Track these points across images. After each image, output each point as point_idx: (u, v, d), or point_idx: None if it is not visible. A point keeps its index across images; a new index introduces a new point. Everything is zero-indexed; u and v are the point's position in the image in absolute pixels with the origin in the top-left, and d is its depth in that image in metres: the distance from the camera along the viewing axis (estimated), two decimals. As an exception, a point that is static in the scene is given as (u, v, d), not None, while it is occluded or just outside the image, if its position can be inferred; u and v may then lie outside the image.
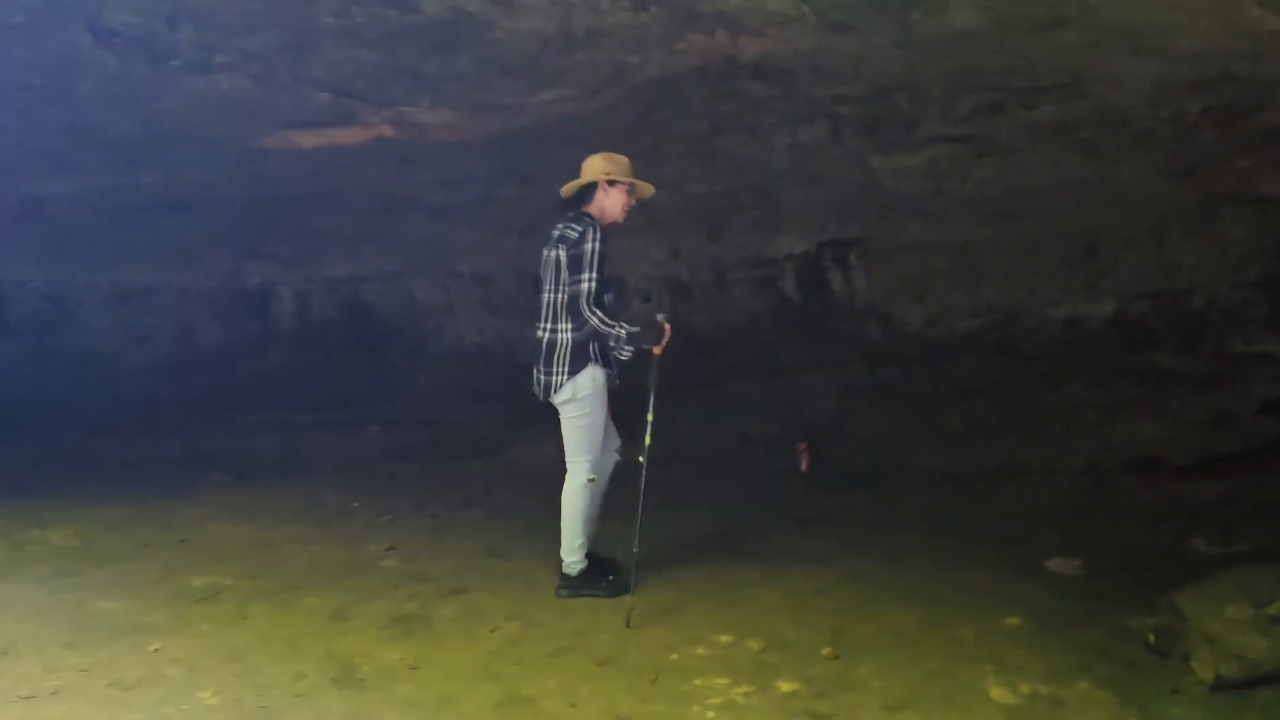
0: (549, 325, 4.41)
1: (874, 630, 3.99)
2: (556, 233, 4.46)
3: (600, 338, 4.31)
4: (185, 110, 6.05)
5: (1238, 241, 6.85)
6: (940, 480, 6.80)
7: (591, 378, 4.35)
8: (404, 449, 8.21)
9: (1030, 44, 4.64)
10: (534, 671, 3.63)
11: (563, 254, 4.32)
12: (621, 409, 4.72)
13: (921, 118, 6.00)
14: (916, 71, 5.24)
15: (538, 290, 4.56)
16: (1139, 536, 5.32)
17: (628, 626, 4.03)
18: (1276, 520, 5.43)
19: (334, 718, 3.25)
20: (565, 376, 4.34)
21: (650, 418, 4.46)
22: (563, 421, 4.50)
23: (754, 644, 3.84)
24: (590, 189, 4.47)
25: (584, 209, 4.47)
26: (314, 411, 9.13)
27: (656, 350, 4.39)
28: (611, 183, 4.44)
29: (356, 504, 6.39)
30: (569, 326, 4.33)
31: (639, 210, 8.50)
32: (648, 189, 4.59)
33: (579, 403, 4.39)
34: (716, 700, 3.37)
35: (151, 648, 3.85)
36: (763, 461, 7.52)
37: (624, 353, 4.35)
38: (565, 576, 4.51)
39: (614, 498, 4.76)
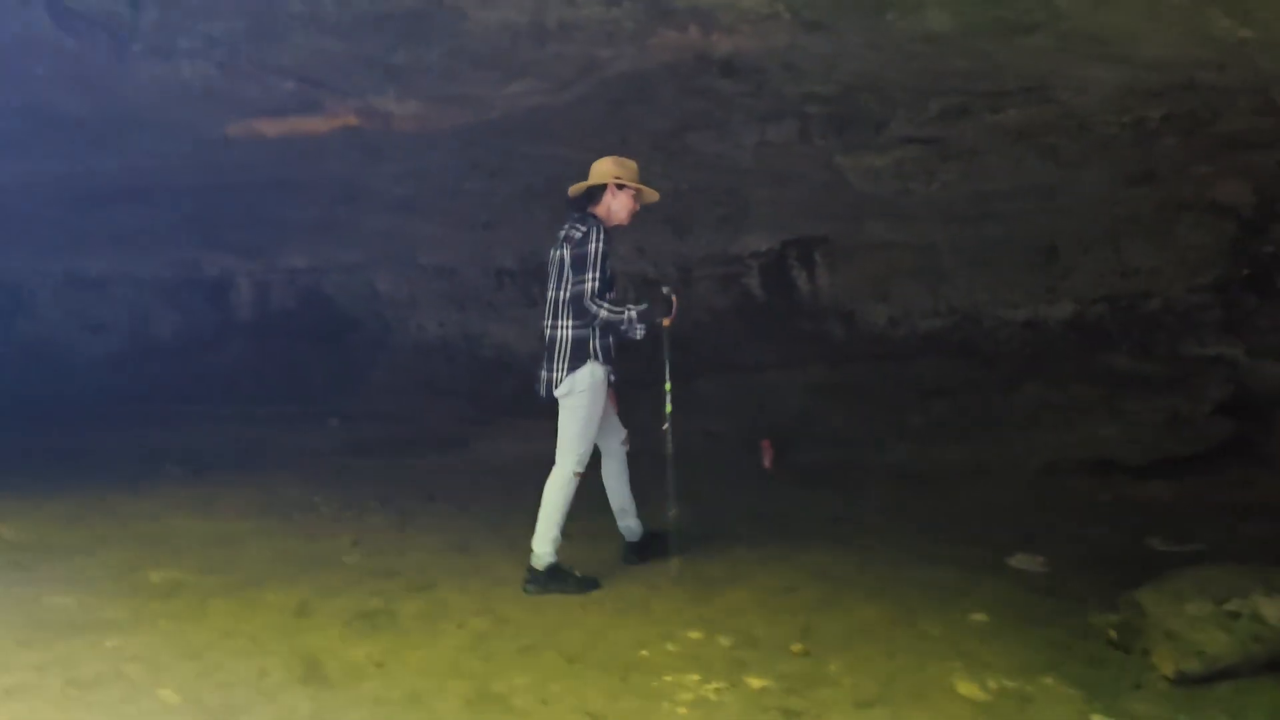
0: (551, 322, 4.53)
1: (843, 626, 4.01)
2: (562, 233, 4.55)
3: (609, 330, 4.43)
4: (146, 96, 5.91)
5: (1193, 247, 6.98)
6: (902, 478, 6.87)
7: (590, 373, 4.43)
8: (365, 443, 8.12)
9: (999, 48, 4.68)
10: (503, 668, 3.61)
11: (567, 253, 4.42)
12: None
13: (890, 119, 6.03)
14: (886, 73, 5.27)
15: (544, 289, 4.69)
16: (1097, 535, 5.41)
17: (674, 583, 4.41)
18: (1229, 520, 5.57)
19: (300, 716, 3.20)
20: (565, 372, 4.44)
21: (668, 386, 4.64)
22: (560, 415, 4.56)
23: (724, 640, 3.85)
24: (599, 190, 4.58)
25: (591, 209, 4.58)
26: (273, 404, 9.01)
27: (666, 322, 4.54)
28: (620, 186, 4.56)
29: (318, 498, 6.31)
30: (570, 323, 4.43)
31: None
32: (653, 195, 4.71)
33: (576, 396, 4.46)
34: (688, 697, 3.36)
35: (109, 644, 3.76)
36: (727, 459, 7.54)
37: (637, 332, 4.45)
38: (532, 570, 4.49)
39: (589, 488, 4.71)
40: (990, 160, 6.38)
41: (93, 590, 4.41)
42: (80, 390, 9.44)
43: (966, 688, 3.44)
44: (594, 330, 4.41)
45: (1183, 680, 3.44)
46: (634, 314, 4.41)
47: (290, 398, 9.17)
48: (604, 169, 4.60)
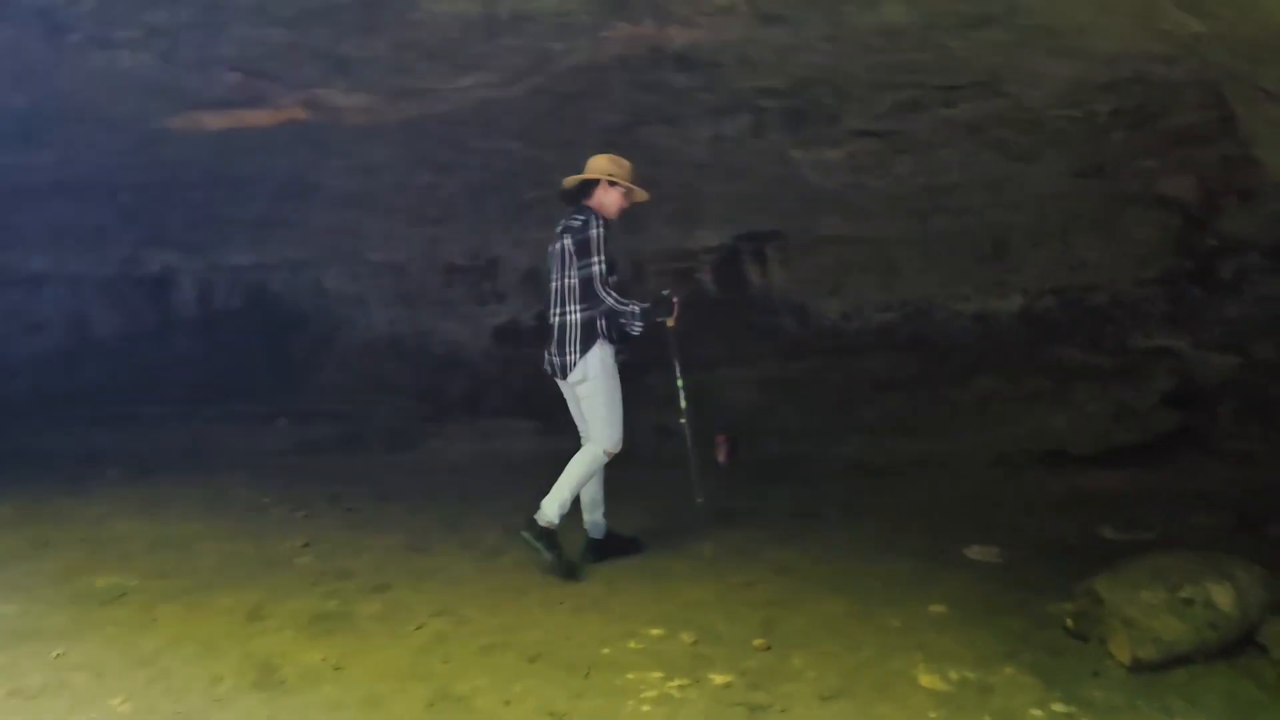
0: (559, 309, 4.62)
1: (804, 621, 4.00)
2: (560, 226, 4.68)
3: (613, 315, 4.53)
4: (84, 87, 5.74)
5: (1140, 241, 7.11)
6: (857, 472, 6.91)
7: (601, 357, 4.53)
8: (315, 442, 7.98)
9: (954, 42, 4.72)
10: (464, 669, 3.54)
11: (569, 242, 4.55)
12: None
13: (843, 113, 6.06)
14: (842, 66, 5.28)
15: (545, 282, 4.79)
16: (1050, 525, 5.47)
17: (709, 563, 4.52)
18: (1177, 508, 5.67)
19: (256, 722, 3.11)
20: (577, 355, 4.53)
21: (680, 382, 4.79)
22: (582, 402, 4.66)
23: (686, 636, 3.82)
24: (592, 185, 4.72)
25: (584, 202, 4.70)
26: (219, 404, 8.81)
27: (670, 323, 4.67)
28: (612, 183, 4.69)
29: (268, 499, 6.17)
30: (578, 308, 4.53)
31: (556, 202, 8.47)
32: (643, 195, 4.83)
33: (592, 381, 4.54)
34: (651, 694, 3.33)
35: (54, 653, 3.63)
36: (682, 455, 7.50)
37: (635, 328, 4.59)
38: (531, 522, 4.56)
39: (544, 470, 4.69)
40: (942, 154, 6.44)
41: (35, 597, 4.26)
42: (17, 391, 9.14)
43: (928, 679, 3.44)
44: (599, 314, 4.52)
45: (1139, 667, 3.48)
46: (637, 310, 4.52)
47: (237, 397, 8.97)
48: (599, 165, 4.73)
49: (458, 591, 4.37)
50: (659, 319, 4.63)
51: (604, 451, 4.61)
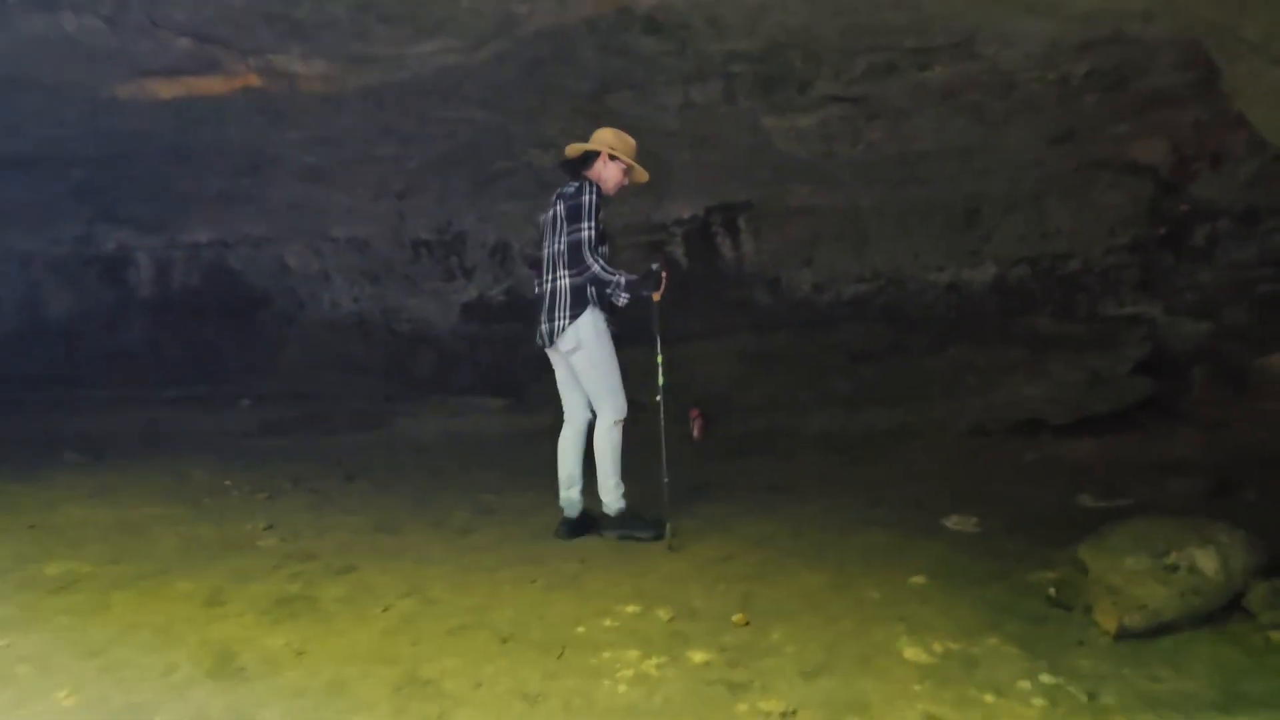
0: (550, 275, 4.56)
1: (783, 594, 3.91)
2: (556, 194, 4.63)
3: (599, 284, 4.46)
4: (26, 53, 5.48)
5: (1112, 207, 7.06)
6: (832, 444, 6.83)
7: (593, 322, 4.47)
8: (278, 423, 7.79)
9: (929, 0, 4.60)
10: (433, 651, 3.41)
11: (562, 207, 4.50)
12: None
13: (815, 77, 5.93)
14: (814, 28, 5.16)
15: (537, 249, 4.77)
16: (1028, 494, 5.42)
17: (670, 549, 4.35)
18: (1152, 474, 5.63)
19: (213, 712, 2.96)
20: (567, 321, 4.47)
21: (660, 359, 4.66)
22: (580, 374, 4.60)
23: (663, 613, 3.71)
24: (593, 157, 4.66)
25: (584, 173, 4.66)
26: (179, 386, 8.59)
27: (655, 296, 4.55)
28: (613, 158, 4.64)
29: (229, 481, 5.99)
30: (567, 273, 4.47)
31: (526, 174, 8.32)
32: (643, 174, 4.80)
33: (586, 350, 4.50)
34: (628, 673, 3.21)
35: (0, 644, 3.46)
36: (654, 429, 7.39)
37: (621, 299, 4.52)
38: (605, 517, 4.64)
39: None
40: (916, 120, 6.34)
41: (-20, 586, 4.07)
42: (-35, 375, 8.87)
43: (912, 651, 3.36)
44: (588, 282, 4.45)
45: (1124, 635, 3.41)
46: (623, 280, 4.44)
47: (197, 378, 8.75)
48: (602, 137, 4.68)
49: (426, 572, 4.23)
50: (645, 292, 4.53)
51: (613, 423, 4.58)
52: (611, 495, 4.63)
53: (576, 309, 4.46)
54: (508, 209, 8.89)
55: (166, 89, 6.01)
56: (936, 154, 6.95)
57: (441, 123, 7.08)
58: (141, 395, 8.21)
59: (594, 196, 4.45)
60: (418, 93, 6.39)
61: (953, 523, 4.78)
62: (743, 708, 2.95)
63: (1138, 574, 3.55)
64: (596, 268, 4.40)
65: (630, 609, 3.76)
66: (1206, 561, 3.58)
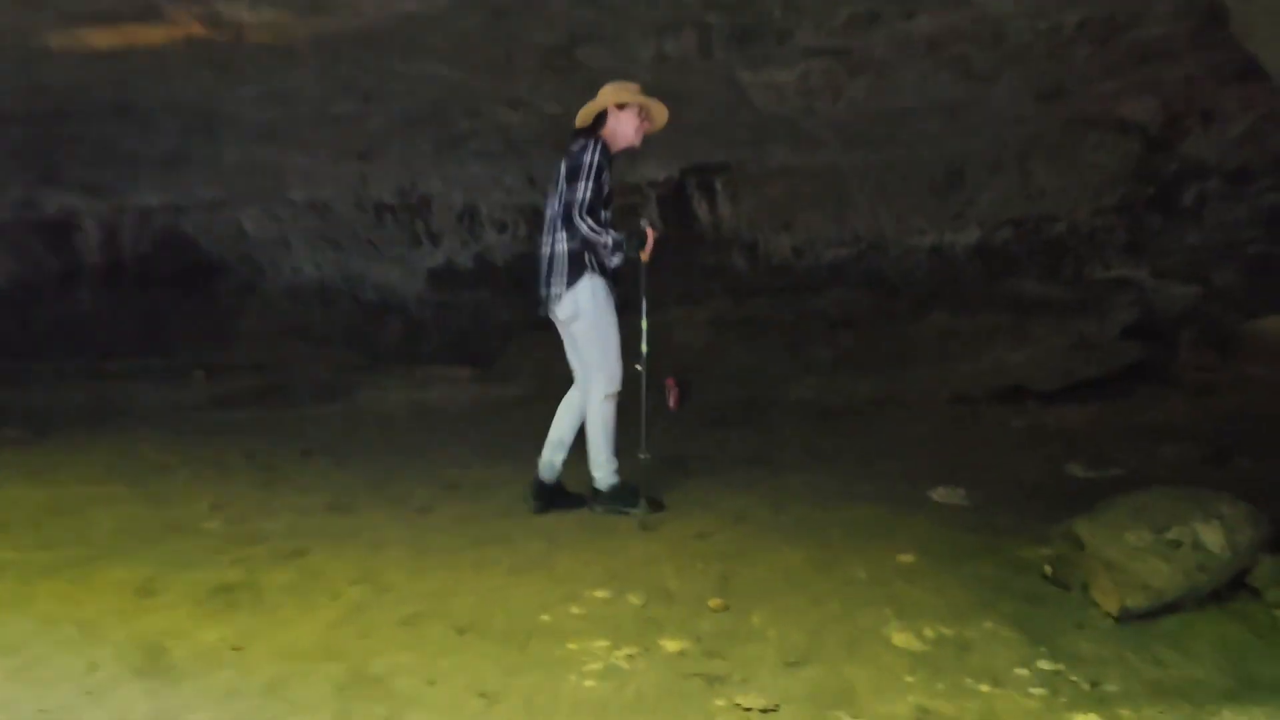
0: (548, 239, 4.38)
1: (763, 574, 3.67)
2: (564, 152, 4.41)
3: (592, 247, 4.26)
4: (-57, -1, 5.09)
5: (1098, 167, 6.82)
6: (812, 413, 6.61)
7: (591, 290, 4.28)
8: (234, 396, 7.47)
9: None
10: (383, 644, 3.13)
11: (564, 166, 4.30)
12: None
13: (795, 28, 5.62)
14: (794, -27, 4.84)
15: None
16: (1015, 463, 5.23)
17: (643, 529, 4.14)
18: (1142, 442, 5.45)
19: (135, 716, 2.67)
20: (564, 288, 4.29)
21: (644, 325, 4.48)
22: (578, 341, 4.41)
23: (634, 598, 3.45)
24: (602, 117, 4.45)
25: (597, 133, 4.44)
26: (130, 358, 8.23)
27: (644, 257, 4.39)
28: (620, 107, 4.43)
29: (177, 458, 5.67)
30: (564, 237, 4.27)
31: (494, 133, 7.97)
32: (662, 110, 4.56)
33: (584, 317, 4.31)
34: (596, 666, 2.95)
35: (-94, 642, 3.15)
36: (630, 400, 7.14)
37: (613, 259, 4.33)
38: (596, 492, 4.46)
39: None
40: (899, 75, 6.05)
41: (-107, 576, 3.75)
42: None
43: (901, 636, 3.12)
44: (587, 247, 4.27)
45: (1126, 616, 3.20)
46: (610, 240, 4.24)
47: (149, 350, 8.40)
48: (603, 94, 4.46)
49: (381, 556, 3.94)
50: (631, 254, 4.34)
51: (605, 396, 4.39)
52: (603, 471, 4.44)
53: (574, 276, 4.27)
54: (475, 171, 8.54)
55: (103, 38, 5.61)
56: (920, 111, 6.67)
57: (403, 78, 6.72)
58: (89, 368, 7.85)
59: (595, 155, 4.22)
60: (376, 45, 6.04)
61: (940, 495, 4.56)
62: (720, 703, 2.70)
63: (1139, 551, 3.33)
64: (584, 229, 4.18)
65: (600, 594, 3.50)
66: (1211, 537, 3.37)
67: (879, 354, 7.16)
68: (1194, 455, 5.00)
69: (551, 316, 4.45)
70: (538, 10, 5.66)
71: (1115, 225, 6.87)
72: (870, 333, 7.34)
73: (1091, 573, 3.38)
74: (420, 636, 3.19)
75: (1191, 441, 5.28)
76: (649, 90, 4.61)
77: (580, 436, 4.56)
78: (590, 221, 4.17)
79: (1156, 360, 6.45)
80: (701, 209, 8.20)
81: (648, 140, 7.77)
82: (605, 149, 4.30)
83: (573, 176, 4.23)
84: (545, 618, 3.31)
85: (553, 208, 4.37)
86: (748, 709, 2.68)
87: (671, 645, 3.09)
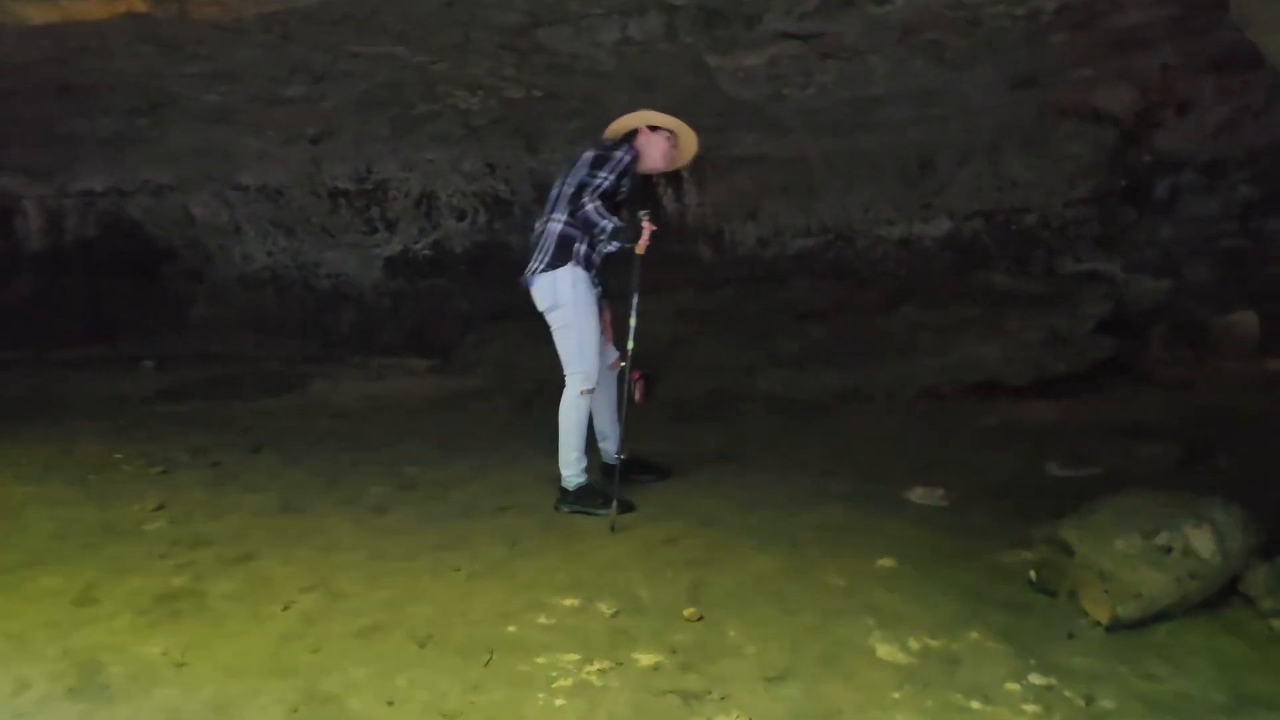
0: (546, 216, 4.31)
1: (736, 581, 3.51)
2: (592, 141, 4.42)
3: (588, 229, 4.18)
4: None
5: (1072, 158, 6.73)
6: (780, 408, 6.46)
7: (572, 282, 4.20)
8: (182, 387, 7.16)
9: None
10: (338, 659, 2.94)
11: (590, 154, 4.25)
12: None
13: (764, 11, 5.44)
14: (767, -48, 4.66)
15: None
16: (990, 461, 5.10)
17: (612, 530, 3.98)
18: (1117, 439, 5.35)
19: (65, 744, 2.47)
20: (543, 266, 4.21)
21: (633, 321, 4.33)
22: (554, 333, 4.34)
23: (604, 607, 3.28)
24: (632, 135, 4.42)
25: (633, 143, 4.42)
26: (73, 348, 7.90)
27: (639, 249, 4.23)
28: (654, 129, 4.41)
29: (120, 454, 5.39)
30: (561, 217, 4.21)
31: (449, 117, 7.73)
32: (690, 148, 4.55)
33: (562, 310, 4.24)
34: (566, 683, 2.78)
35: None
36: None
37: (609, 247, 4.28)
38: (563, 491, 4.35)
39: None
40: (871, 61, 5.91)
41: None
42: None
43: (885, 649, 2.99)
44: (582, 235, 4.21)
45: (1117, 626, 3.08)
46: (611, 226, 4.15)
47: (94, 339, 8.06)
48: (639, 112, 4.47)
49: (334, 560, 3.73)
50: (628, 243, 4.22)
51: (580, 392, 4.32)
52: (572, 469, 4.33)
53: (557, 260, 4.19)
54: (433, 156, 8.28)
55: (37, 13, 5.29)
56: (890, 99, 6.53)
57: (356, 58, 6.45)
58: (30, 358, 7.51)
59: (627, 158, 4.22)
60: (328, 23, 5.77)
61: (917, 496, 4.43)
62: (699, 724, 2.55)
63: (1129, 557, 3.22)
64: (590, 207, 4.11)
65: (568, 602, 3.33)
66: (1201, 542, 3.26)
67: (847, 347, 7.01)
68: (1172, 453, 4.91)
69: (528, 292, 4.35)
70: (498, -14, 5.43)
71: (1087, 217, 6.79)
72: (838, 325, 7.19)
73: (1080, 580, 3.27)
74: (377, 650, 3.00)
75: (1167, 439, 5.19)
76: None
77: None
78: (598, 204, 4.12)
79: (1127, 355, 6.37)
80: (666, 197, 8.03)
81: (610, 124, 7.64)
82: (638, 158, 4.31)
83: (598, 164, 4.18)
84: (510, 629, 3.14)
85: (559, 187, 4.30)
86: (728, 731, 2.53)
87: (645, 659, 2.93)
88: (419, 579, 3.55)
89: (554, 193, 4.34)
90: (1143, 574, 3.16)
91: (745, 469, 5.06)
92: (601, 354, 4.44)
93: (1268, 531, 3.35)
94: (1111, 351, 6.24)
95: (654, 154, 4.41)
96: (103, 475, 5.02)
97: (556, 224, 4.22)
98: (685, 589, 3.44)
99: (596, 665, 2.88)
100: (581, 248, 4.22)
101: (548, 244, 4.23)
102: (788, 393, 6.65)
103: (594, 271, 4.32)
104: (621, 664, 2.90)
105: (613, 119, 7.50)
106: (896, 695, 2.71)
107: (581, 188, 4.15)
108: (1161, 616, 3.14)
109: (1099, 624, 3.11)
